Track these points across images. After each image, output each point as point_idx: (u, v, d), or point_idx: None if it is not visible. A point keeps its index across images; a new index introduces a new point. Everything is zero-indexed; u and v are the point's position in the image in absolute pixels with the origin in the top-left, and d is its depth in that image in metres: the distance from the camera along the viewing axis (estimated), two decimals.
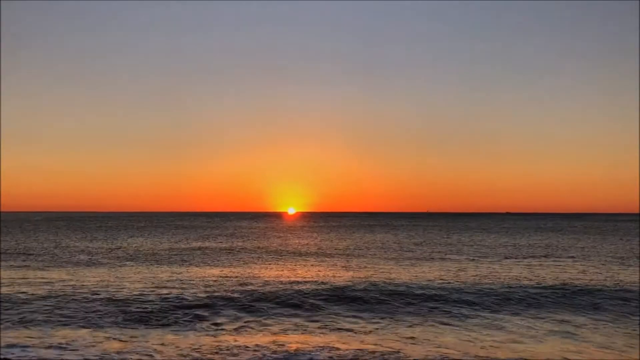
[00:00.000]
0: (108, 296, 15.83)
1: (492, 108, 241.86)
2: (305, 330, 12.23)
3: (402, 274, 21.91)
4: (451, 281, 19.66)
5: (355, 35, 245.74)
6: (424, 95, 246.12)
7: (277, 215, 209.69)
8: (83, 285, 18.32)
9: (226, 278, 20.38)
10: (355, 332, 11.99)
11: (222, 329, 12.20)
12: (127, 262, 26.59)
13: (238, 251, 33.95)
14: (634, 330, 12.44)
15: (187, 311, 13.84)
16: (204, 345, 10.83)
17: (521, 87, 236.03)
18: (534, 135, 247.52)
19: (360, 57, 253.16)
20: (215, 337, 11.52)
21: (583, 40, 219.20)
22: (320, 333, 11.95)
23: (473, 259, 28.67)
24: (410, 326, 12.62)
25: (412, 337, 11.56)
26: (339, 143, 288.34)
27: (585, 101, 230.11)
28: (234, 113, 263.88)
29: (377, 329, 12.40)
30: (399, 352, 10.42)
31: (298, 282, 19.01)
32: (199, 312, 13.78)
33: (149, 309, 13.96)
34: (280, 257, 29.70)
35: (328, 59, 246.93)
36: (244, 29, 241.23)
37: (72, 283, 18.80)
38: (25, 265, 24.71)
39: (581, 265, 26.03)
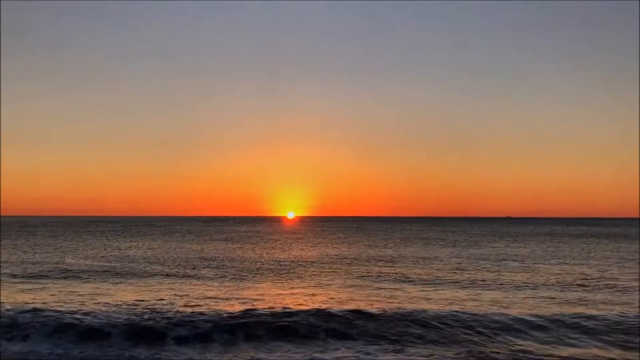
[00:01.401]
0: (104, 309, 15.20)
1: (493, 110, 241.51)
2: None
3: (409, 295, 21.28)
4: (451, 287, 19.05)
5: (354, 36, 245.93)
6: (424, 97, 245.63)
7: (277, 220, 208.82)
8: (78, 297, 17.71)
9: (217, 292, 19.79)
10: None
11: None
12: (117, 275, 25.97)
13: (235, 261, 33.35)
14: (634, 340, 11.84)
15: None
16: None
17: (521, 90, 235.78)
18: (535, 138, 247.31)
19: (360, 59, 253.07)
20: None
21: (583, 40, 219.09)
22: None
23: (468, 260, 28.08)
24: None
25: None
26: (339, 147, 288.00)
27: (586, 103, 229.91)
28: (233, 115, 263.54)
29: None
30: None
31: (291, 300, 18.27)
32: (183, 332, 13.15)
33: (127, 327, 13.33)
34: (277, 269, 29.11)
35: (327, 61, 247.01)
36: (242, 29, 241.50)
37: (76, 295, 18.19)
38: (28, 276, 24.06)
39: (582, 268, 25.43)
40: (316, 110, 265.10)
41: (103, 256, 31.74)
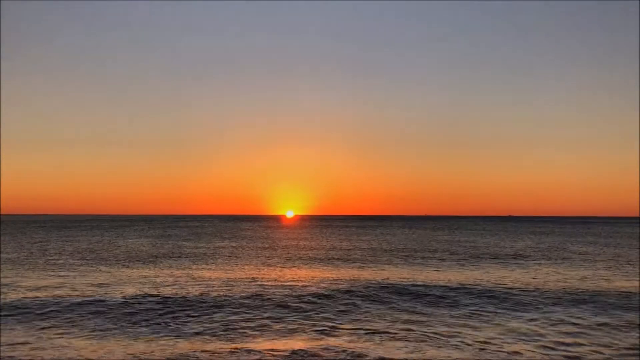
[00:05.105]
0: (109, 299, 14.67)
1: (494, 111, 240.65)
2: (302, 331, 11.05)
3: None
4: (451, 283, 18.53)
5: (355, 37, 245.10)
6: (424, 98, 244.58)
7: (276, 219, 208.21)
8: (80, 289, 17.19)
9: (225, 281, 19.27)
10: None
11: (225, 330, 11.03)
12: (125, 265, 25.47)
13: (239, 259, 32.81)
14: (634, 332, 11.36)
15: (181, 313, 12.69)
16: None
17: (522, 90, 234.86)
18: (535, 137, 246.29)
19: (360, 60, 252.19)
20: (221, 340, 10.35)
21: (583, 40, 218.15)
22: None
23: (468, 261, 27.53)
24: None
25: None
26: (338, 146, 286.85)
27: (586, 102, 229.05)
28: (233, 115, 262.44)
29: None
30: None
31: (293, 286, 17.80)
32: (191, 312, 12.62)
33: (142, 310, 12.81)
34: (277, 262, 28.65)
35: (328, 62, 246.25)
36: (243, 30, 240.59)
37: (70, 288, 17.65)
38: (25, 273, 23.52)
39: (582, 268, 24.85)
40: (316, 112, 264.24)
41: (103, 254, 31.06)
